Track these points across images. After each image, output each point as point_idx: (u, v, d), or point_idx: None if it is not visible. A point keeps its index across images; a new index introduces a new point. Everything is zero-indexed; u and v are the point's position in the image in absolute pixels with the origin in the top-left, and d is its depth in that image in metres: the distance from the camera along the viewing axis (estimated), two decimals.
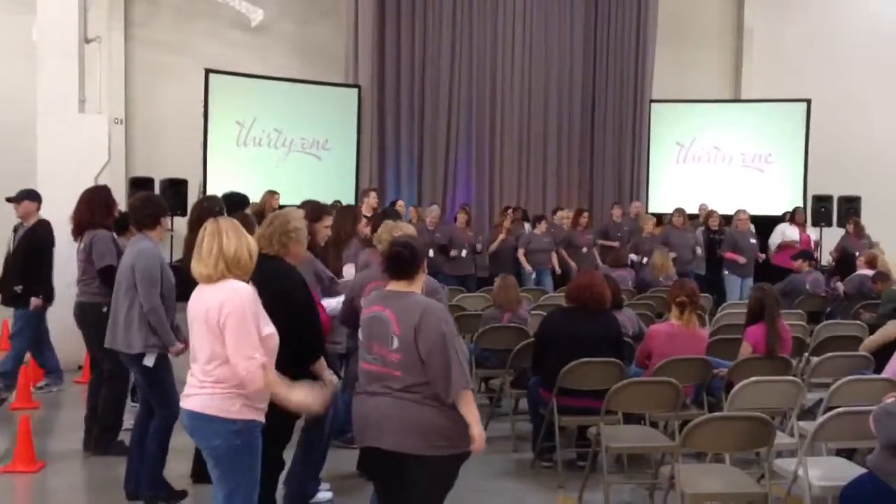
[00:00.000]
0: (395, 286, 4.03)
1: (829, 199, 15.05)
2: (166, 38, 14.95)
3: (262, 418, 3.80)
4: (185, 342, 5.03)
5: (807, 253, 11.49)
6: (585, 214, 13.03)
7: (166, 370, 5.40)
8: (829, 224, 14.79)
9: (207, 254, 3.74)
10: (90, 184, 8.70)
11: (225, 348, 3.65)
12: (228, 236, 3.75)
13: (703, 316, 8.44)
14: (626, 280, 10.32)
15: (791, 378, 5.84)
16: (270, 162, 14.14)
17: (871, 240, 12.36)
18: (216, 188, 11.71)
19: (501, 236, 12.34)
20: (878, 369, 6.08)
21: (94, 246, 6.32)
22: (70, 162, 8.84)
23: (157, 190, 12.54)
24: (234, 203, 6.83)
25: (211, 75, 13.46)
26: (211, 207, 5.87)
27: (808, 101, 15.61)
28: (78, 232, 6.49)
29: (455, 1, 15.65)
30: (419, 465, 3.83)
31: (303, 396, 3.88)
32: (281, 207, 8.15)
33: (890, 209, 14.82)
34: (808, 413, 6.04)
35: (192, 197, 13.10)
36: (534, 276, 12.15)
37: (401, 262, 4.00)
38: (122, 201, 10.75)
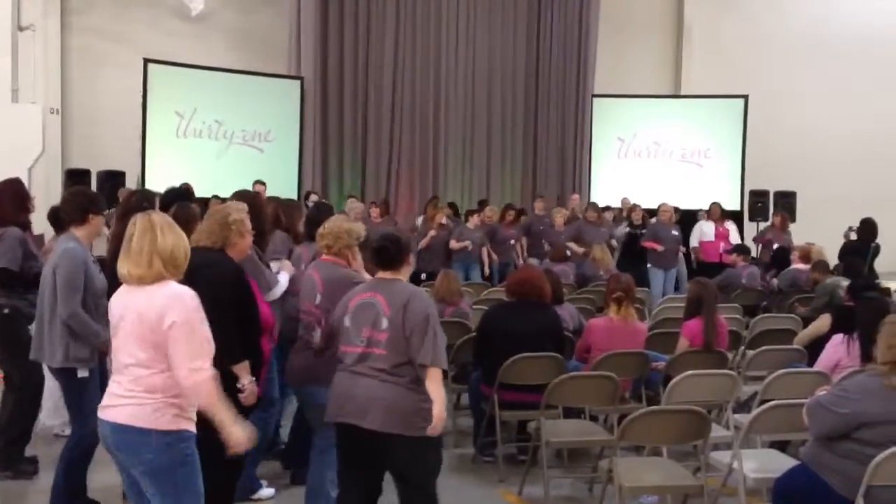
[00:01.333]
0: (383, 274, 4.30)
1: (765, 194, 15.31)
2: (104, 27, 14.63)
3: (193, 428, 3.50)
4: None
5: (742, 247, 11.67)
6: (512, 212, 12.80)
7: (91, 387, 4.92)
8: (766, 219, 15.02)
9: (138, 252, 3.42)
10: (24, 175, 8.58)
11: (160, 355, 3.37)
12: (164, 233, 3.46)
13: (641, 310, 8.55)
14: (568, 274, 10.40)
15: (727, 371, 5.93)
16: (211, 154, 13.95)
17: (791, 235, 12.61)
18: (155, 180, 11.53)
19: (432, 232, 11.86)
20: (812, 362, 6.19)
21: None
22: (2, 152, 8.63)
23: (93, 182, 12.29)
24: (177, 197, 6.55)
25: (150, 65, 13.24)
26: (139, 202, 5.35)
27: (746, 97, 15.87)
28: None
29: None
30: (401, 444, 4.03)
31: (238, 432, 3.47)
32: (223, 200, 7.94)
33: (824, 204, 15.13)
34: (743, 406, 6.14)
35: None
36: (469, 262, 11.88)
37: (386, 255, 4.27)
38: (58, 193, 10.57)
